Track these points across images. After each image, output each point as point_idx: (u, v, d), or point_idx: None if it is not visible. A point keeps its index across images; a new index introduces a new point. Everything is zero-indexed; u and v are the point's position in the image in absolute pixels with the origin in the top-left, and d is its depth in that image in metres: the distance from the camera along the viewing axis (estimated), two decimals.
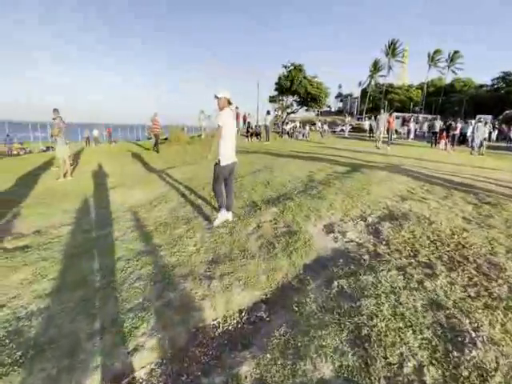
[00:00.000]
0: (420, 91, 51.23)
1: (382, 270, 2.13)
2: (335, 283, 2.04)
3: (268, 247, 2.68)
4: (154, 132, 11.81)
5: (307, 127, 18.52)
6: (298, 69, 36.98)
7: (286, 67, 37.82)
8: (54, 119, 6.70)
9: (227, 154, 3.14)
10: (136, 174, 7.97)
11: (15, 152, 14.39)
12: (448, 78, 48.44)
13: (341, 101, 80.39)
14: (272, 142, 14.45)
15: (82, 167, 9.52)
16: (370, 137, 19.08)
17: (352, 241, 2.72)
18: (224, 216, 3.29)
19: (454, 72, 46.16)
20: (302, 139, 17.13)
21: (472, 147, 11.26)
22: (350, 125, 23.34)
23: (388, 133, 10.00)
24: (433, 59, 44.87)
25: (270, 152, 9.64)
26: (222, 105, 3.11)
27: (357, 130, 27.21)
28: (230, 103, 3.17)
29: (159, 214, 3.90)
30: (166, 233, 3.20)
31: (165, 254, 2.71)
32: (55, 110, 6.75)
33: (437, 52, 44.42)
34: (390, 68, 46.58)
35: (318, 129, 20.39)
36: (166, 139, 14.75)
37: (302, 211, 3.42)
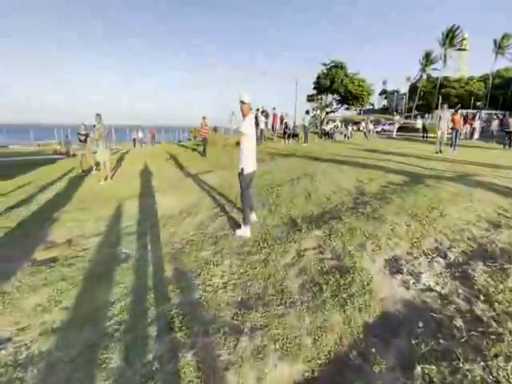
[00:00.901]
0: (482, 84, 44.90)
1: (496, 357, 1.38)
2: (418, 370, 1.37)
3: (313, 289, 2.08)
4: (203, 136, 11.71)
5: (349, 127, 17.19)
6: (339, 66, 35.11)
7: (325, 65, 36.16)
8: (94, 125, 6.91)
9: (250, 160, 3.11)
10: (172, 177, 7.91)
11: (72, 153, 15.83)
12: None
13: (385, 98, 74.74)
14: (310, 143, 13.62)
15: (123, 169, 9.89)
16: (423, 138, 16.99)
17: (431, 289, 1.98)
18: (245, 233, 3.10)
19: None
20: (343, 140, 15.90)
21: None
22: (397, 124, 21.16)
23: (452, 133, 8.43)
24: (500, 46, 38.86)
25: (309, 155, 8.90)
26: (246, 111, 3.07)
27: (404, 129, 24.73)
28: (250, 108, 3.15)
29: (187, 228, 3.53)
30: (192, 255, 2.79)
31: (186, 285, 2.28)
32: (97, 116, 6.96)
33: (505, 37, 38.32)
34: (445, 59, 41.64)
35: (361, 129, 18.83)
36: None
37: (354, 237, 2.74)
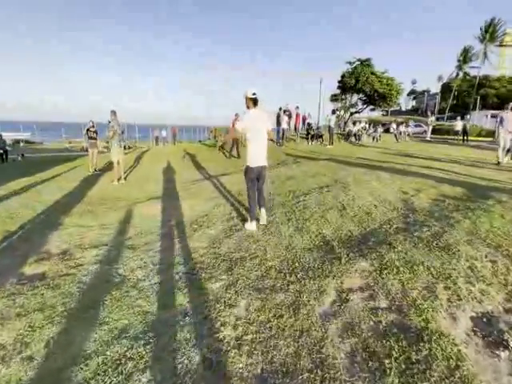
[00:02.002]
0: None
1: None
2: None
3: (369, 365, 1.39)
4: (234, 136, 11.17)
5: (379, 129, 15.97)
6: (366, 64, 33.48)
7: (350, 63, 34.65)
8: (109, 122, 6.59)
9: (252, 157, 3.08)
10: (189, 179, 7.45)
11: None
12: None
13: (414, 98, 70.76)
14: (336, 145, 12.69)
15: (140, 169, 9.63)
16: (464, 141, 15.38)
17: None
18: (251, 227, 3.14)
19: None
20: (372, 143, 14.75)
21: None
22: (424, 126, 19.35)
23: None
24: None
25: (336, 159, 8.08)
26: (246, 105, 3.03)
27: (438, 131, 22.81)
28: (255, 103, 2.99)
29: (197, 245, 2.95)
30: (199, 286, 2.19)
31: (185, 337, 1.67)
32: (112, 112, 6.65)
33: None
34: (485, 56, 38.30)
35: (392, 131, 17.49)
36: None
37: (416, 276, 1.99)
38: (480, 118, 32.01)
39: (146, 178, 7.97)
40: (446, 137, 20.04)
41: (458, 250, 2.25)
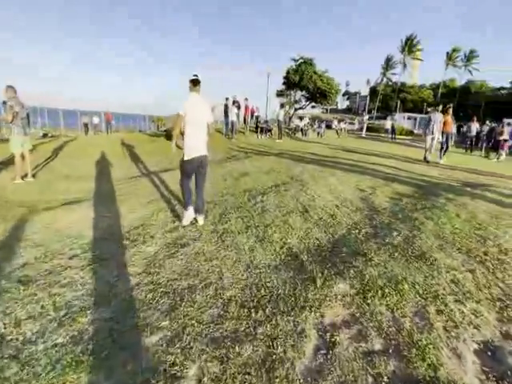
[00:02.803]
0: (431, 92, 48.95)
1: None
2: None
3: None
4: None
5: (323, 125, 16.68)
6: (308, 63, 35.02)
7: (294, 60, 35.75)
8: (4, 102, 4.93)
9: (191, 146, 2.79)
10: (124, 176, 6.23)
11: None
12: (461, 80, 46.21)
13: (347, 98, 77.81)
14: (284, 140, 12.66)
15: (57, 163, 7.79)
16: (392, 138, 17.28)
17: None
18: (190, 215, 2.93)
19: (470, 72, 43.82)
20: (316, 138, 15.31)
21: None
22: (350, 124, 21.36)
23: (443, 138, 7.82)
24: (451, 58, 42.53)
25: (288, 154, 7.88)
26: (189, 87, 2.84)
27: (370, 129, 25.35)
28: (195, 84, 2.80)
29: (128, 271, 2.16)
30: (126, 347, 1.48)
31: None
32: (9, 88, 4.99)
33: (455, 51, 42.03)
34: (404, 65, 44.27)
35: (334, 127, 18.53)
36: (165, 131, 12.96)
37: (403, 297, 1.70)
38: (400, 119, 36.85)
39: (64, 176, 6.39)
40: (377, 134, 22.34)
41: (435, 260, 2.07)
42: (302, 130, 15.28)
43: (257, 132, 13.05)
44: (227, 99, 11.23)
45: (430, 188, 4.09)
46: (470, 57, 42.51)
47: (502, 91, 42.85)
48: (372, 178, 4.73)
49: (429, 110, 46.26)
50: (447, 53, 42.27)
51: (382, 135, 20.04)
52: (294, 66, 35.13)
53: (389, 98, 49.88)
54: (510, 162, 10.78)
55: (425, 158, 7.55)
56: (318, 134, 16.13)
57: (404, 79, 48.20)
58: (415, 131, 27.02)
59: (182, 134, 2.87)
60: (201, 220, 2.92)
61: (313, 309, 1.65)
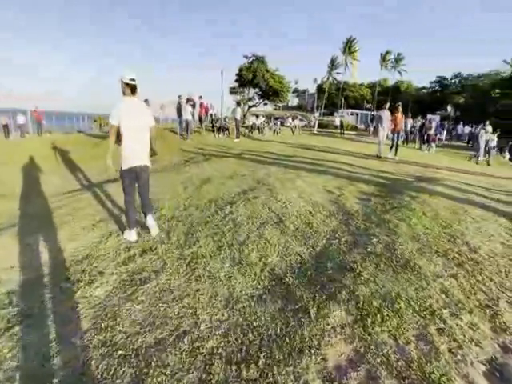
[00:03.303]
0: (369, 90, 54.00)
1: None
2: None
3: None
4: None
5: (279, 122, 16.88)
6: (261, 61, 35.26)
7: (247, 58, 35.67)
8: None
9: (128, 155, 2.54)
10: (60, 191, 5.24)
11: None
12: (392, 80, 52.04)
13: (297, 96, 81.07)
14: (241, 138, 12.39)
15: None
16: (341, 133, 18.37)
17: None
18: (130, 236, 2.65)
19: (399, 73, 49.44)
20: (273, 136, 15.41)
21: (477, 156, 11.02)
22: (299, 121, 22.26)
23: (394, 134, 7.77)
24: (385, 59, 47.22)
25: (249, 155, 7.63)
26: (122, 91, 2.49)
27: (320, 125, 26.69)
28: (133, 91, 2.50)
29: (69, 329, 1.65)
30: None
31: None
32: None
33: (388, 53, 46.82)
34: (346, 65, 47.70)
35: (288, 124, 18.92)
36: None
37: (401, 318, 1.58)
38: (344, 115, 39.55)
39: None
40: (327, 130, 23.57)
41: (420, 267, 2.03)
42: (258, 127, 15.20)
43: (213, 131, 12.51)
44: (180, 97, 10.45)
45: (391, 186, 4.26)
46: (397, 59, 47.89)
47: (424, 90, 49.37)
48: (336, 178, 4.76)
49: (367, 106, 50.74)
50: (381, 54, 46.84)
51: (333, 131, 21.21)
52: (247, 64, 34.99)
53: (334, 96, 53.32)
54: (439, 153, 12.34)
55: (378, 155, 7.87)
56: (275, 131, 16.25)
57: (347, 78, 52.02)
58: (358, 126, 29.43)
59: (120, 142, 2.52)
60: (155, 232, 2.72)
61: (312, 350, 1.41)
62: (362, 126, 30.08)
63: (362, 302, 1.70)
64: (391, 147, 7.97)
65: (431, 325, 1.54)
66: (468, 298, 1.74)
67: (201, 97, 12.15)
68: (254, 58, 35.92)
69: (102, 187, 4.77)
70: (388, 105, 7.91)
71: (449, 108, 34.75)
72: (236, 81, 38.14)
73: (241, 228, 2.80)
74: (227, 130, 12.75)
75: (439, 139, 16.68)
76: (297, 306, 1.72)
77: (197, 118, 12.14)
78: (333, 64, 49.83)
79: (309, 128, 23.35)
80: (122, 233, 2.76)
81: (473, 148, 17.16)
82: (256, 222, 2.92)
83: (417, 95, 48.75)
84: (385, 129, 7.66)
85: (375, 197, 3.67)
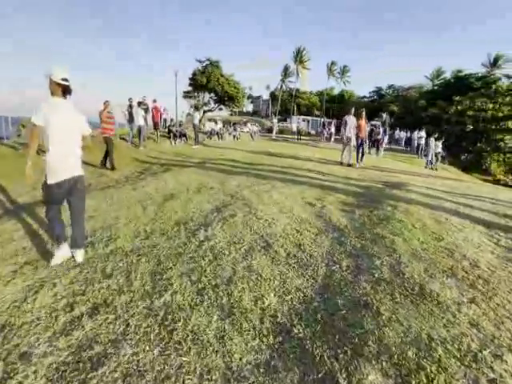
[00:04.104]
0: (318, 98, 57.80)
1: None
2: None
3: None
4: (106, 134, 6.61)
5: (238, 128, 16.56)
6: (215, 65, 34.79)
7: (201, 62, 34.92)
8: None
9: (56, 166, 2.13)
10: None
11: None
12: (338, 89, 56.69)
13: (251, 102, 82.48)
14: (200, 145, 11.69)
15: None
16: (298, 139, 18.89)
17: None
18: (65, 253, 2.29)
19: (344, 83, 54.01)
20: (232, 142, 15.03)
21: (429, 162, 12.13)
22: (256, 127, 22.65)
23: (357, 142, 7.51)
24: (331, 69, 50.97)
25: (212, 163, 7.07)
26: (51, 90, 2.14)
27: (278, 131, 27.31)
28: (65, 93, 2.15)
29: None
30: None
31: None
32: None
33: (333, 64, 50.72)
34: (298, 74, 50.10)
35: (247, 130, 18.74)
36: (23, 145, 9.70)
37: (446, 370, 1.30)
38: (296, 121, 41.27)
39: None
40: (283, 136, 24.13)
41: (436, 294, 1.81)
42: (218, 133, 14.64)
43: (169, 138, 11.56)
44: (131, 100, 9.34)
45: (367, 194, 4.21)
46: (344, 70, 52.30)
47: (365, 99, 54.71)
48: (311, 187, 4.56)
49: (317, 113, 53.95)
50: (327, 65, 50.47)
51: (289, 136, 21.76)
52: (201, 68, 34.12)
53: (287, 102, 55.53)
54: (386, 157, 13.44)
55: (341, 161, 7.68)
56: (234, 137, 15.89)
57: (298, 86, 54.72)
58: (311, 131, 31.00)
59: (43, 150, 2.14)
60: (79, 256, 2.32)
61: None
62: (313, 132, 31.61)
63: (395, 355, 1.38)
64: (357, 154, 7.76)
65: (481, 376, 1.28)
66: (498, 328, 1.56)
67: (155, 100, 11.10)
68: (208, 63, 35.24)
69: (31, 210, 3.73)
70: (353, 110, 7.53)
71: (384, 115, 39.09)
72: (190, 85, 36.94)
73: (223, 259, 2.30)
74: (185, 136, 11.93)
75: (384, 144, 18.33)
76: (320, 374, 1.31)
77: (150, 123, 11.06)
78: (286, 72, 51.91)
79: (263, 134, 23.56)
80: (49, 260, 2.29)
81: (410, 151, 19.29)
82: (240, 250, 2.45)
83: (358, 103, 53.86)
84: (351, 134, 7.35)
85: (358, 208, 3.52)
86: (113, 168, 6.51)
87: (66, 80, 2.13)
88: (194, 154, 9.26)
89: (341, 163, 7.69)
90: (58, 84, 2.11)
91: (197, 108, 12.29)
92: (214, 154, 9.51)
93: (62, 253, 2.30)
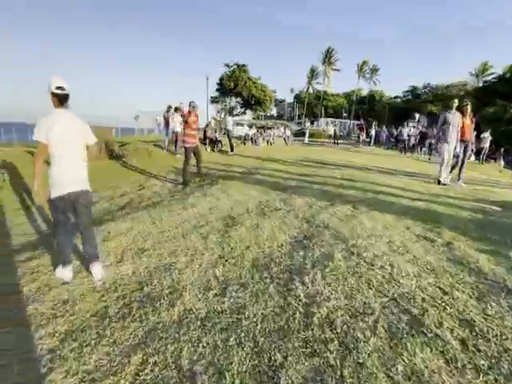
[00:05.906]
0: (345, 100, 55.47)
1: None
2: None
3: None
4: (190, 144, 5.82)
5: (272, 132, 15.80)
6: (242, 69, 34.60)
7: (228, 66, 34.93)
8: None
9: (58, 178, 2.10)
10: None
11: None
12: (365, 90, 53.98)
13: (275, 105, 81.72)
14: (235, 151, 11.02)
15: None
16: (335, 143, 17.71)
17: None
18: (64, 275, 2.17)
19: (374, 83, 51.28)
20: (267, 147, 14.26)
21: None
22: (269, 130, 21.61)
23: (460, 148, 5.43)
24: (361, 69, 48.73)
25: (259, 174, 6.29)
26: (52, 103, 2.09)
27: (310, 135, 26.19)
28: (61, 101, 2.08)
29: None
30: None
31: None
32: None
33: (364, 63, 48.42)
34: (325, 75, 48.51)
35: (281, 135, 17.93)
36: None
37: None
38: (325, 123, 39.55)
39: None
40: (315, 140, 22.92)
41: None
42: (252, 138, 13.97)
43: (205, 144, 11.05)
44: (169, 107, 8.98)
45: (488, 221, 3.12)
46: (373, 69, 49.77)
47: (398, 99, 51.49)
48: (405, 212, 3.56)
49: (344, 115, 51.76)
50: (357, 65, 48.29)
51: (326, 140, 20.58)
52: (228, 72, 34.12)
53: (314, 105, 53.98)
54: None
55: (438, 178, 5.42)
56: (268, 142, 15.14)
57: (324, 88, 53.02)
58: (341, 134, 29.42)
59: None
60: (98, 272, 2.19)
61: None
62: (342, 134, 29.94)
63: None
64: (454, 166, 5.67)
65: None
66: None
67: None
68: (236, 66, 35.12)
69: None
70: (456, 104, 5.22)
71: (417, 116, 36.08)
72: (217, 90, 37.05)
73: (362, 351, 1.43)
74: (220, 142, 11.36)
75: None
76: None
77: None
78: (312, 74, 50.55)
79: (298, 138, 22.59)
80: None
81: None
82: (376, 329, 1.57)
83: (392, 103, 50.65)
84: (452, 140, 5.17)
85: (501, 246, 2.48)
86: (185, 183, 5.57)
87: (60, 88, 2.05)
88: (234, 163, 8.58)
89: (438, 182, 5.43)
90: (54, 94, 2.06)
91: (230, 112, 11.70)
92: (254, 162, 8.78)
93: (63, 272, 2.19)
